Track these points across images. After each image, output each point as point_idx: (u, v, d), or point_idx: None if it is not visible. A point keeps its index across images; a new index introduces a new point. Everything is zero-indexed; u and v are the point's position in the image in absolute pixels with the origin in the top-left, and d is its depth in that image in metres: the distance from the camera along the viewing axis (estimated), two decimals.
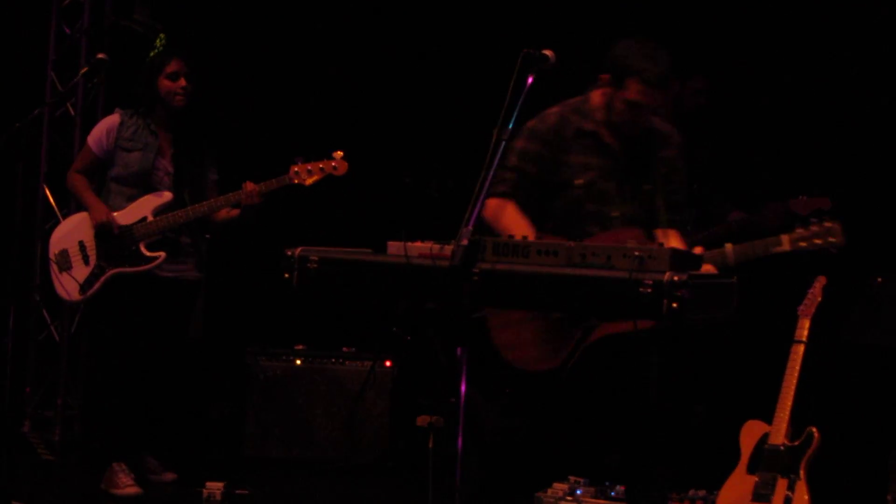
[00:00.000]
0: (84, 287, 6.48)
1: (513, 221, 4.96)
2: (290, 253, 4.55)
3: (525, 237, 4.44)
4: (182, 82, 6.51)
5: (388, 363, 7.25)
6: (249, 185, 6.36)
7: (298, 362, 7.33)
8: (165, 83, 6.51)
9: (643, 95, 4.84)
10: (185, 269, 6.60)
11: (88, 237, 6.51)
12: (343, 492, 6.95)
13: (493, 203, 5.03)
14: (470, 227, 4.22)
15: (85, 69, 7.20)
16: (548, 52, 4.74)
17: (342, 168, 6.43)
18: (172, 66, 6.51)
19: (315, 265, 4.50)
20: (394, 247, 4.43)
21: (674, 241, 4.92)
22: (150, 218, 6.43)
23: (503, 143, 4.54)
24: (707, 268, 4.73)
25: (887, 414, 7.47)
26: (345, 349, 7.37)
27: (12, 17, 7.99)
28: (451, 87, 8.48)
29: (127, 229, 6.43)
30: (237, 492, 6.47)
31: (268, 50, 8.48)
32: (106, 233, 6.43)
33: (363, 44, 8.53)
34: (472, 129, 5.70)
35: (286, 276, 4.56)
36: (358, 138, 7.90)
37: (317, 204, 7.59)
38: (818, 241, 4.77)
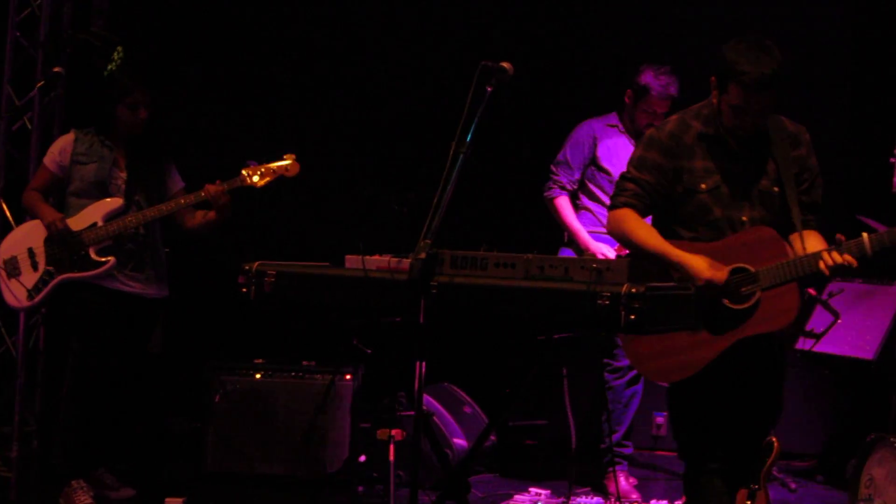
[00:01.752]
0: (32, 293, 6.46)
1: (637, 226, 4.82)
2: (247, 267, 4.54)
3: (485, 248, 4.44)
4: (141, 113, 6.50)
5: (347, 376, 7.23)
6: (211, 187, 6.37)
7: (258, 376, 7.29)
8: (124, 112, 6.50)
9: (743, 100, 4.68)
10: (148, 285, 6.56)
11: (38, 244, 6.49)
12: None
13: (613, 215, 4.92)
14: (429, 241, 4.22)
15: (41, 83, 7.17)
16: (506, 65, 4.73)
17: (294, 169, 6.44)
18: (132, 98, 6.48)
19: (272, 279, 4.49)
20: (352, 260, 4.43)
21: (814, 242, 4.79)
22: (100, 223, 6.40)
23: (461, 155, 4.54)
24: (847, 258, 4.61)
25: (844, 422, 7.53)
26: (304, 363, 7.34)
27: None
28: (411, 99, 8.48)
29: (76, 234, 6.40)
30: None
31: (228, 59, 8.47)
32: (56, 235, 6.40)
33: (328, 54, 8.53)
34: (432, 141, 5.71)
35: (244, 290, 4.55)
36: (317, 150, 7.90)
37: (274, 218, 7.58)
38: None
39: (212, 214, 6.53)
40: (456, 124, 4.52)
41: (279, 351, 7.47)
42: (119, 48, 7.50)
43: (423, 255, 4.16)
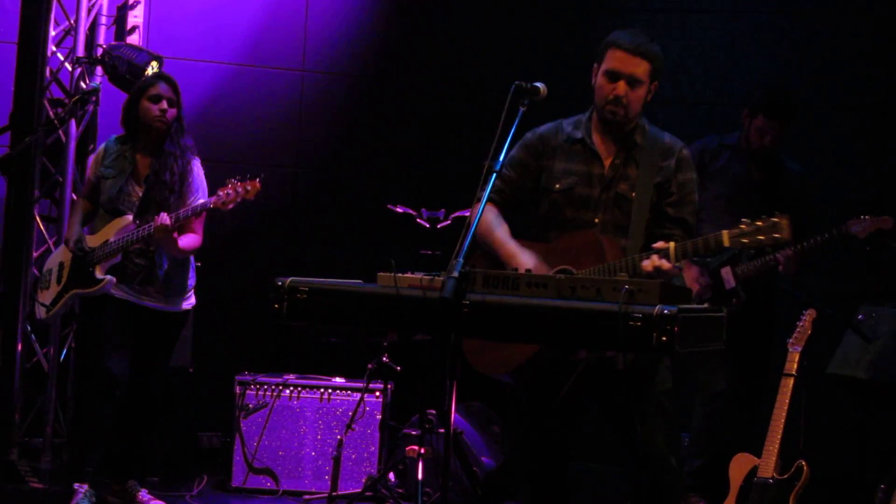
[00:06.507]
0: (49, 307, 6.56)
1: (486, 218, 4.98)
2: (279, 283, 4.54)
3: (516, 270, 4.44)
4: (163, 104, 6.44)
5: (377, 393, 7.24)
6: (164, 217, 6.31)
7: (287, 392, 7.31)
8: (146, 104, 6.45)
9: (619, 62, 4.86)
10: (161, 299, 6.54)
11: (67, 259, 6.56)
12: None
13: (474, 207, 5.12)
14: (461, 259, 4.22)
15: (76, 97, 7.20)
16: (539, 85, 4.77)
17: (252, 192, 6.30)
18: (155, 90, 6.46)
19: (305, 295, 4.49)
20: (384, 278, 4.43)
21: (659, 258, 4.68)
22: (111, 240, 6.42)
23: (494, 174, 4.55)
24: (662, 262, 4.60)
25: (875, 447, 7.47)
26: (334, 379, 7.36)
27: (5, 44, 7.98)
28: (445, 117, 8.50)
29: (90, 252, 6.44)
30: None
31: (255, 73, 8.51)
32: (77, 252, 6.46)
33: (357, 68, 8.56)
34: (465, 159, 5.73)
35: (276, 306, 4.55)
36: (349, 168, 7.93)
37: (307, 234, 7.61)
38: (762, 238, 4.61)
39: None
40: (490, 142, 4.53)
41: (309, 367, 7.48)
42: (153, 63, 7.53)
43: (455, 274, 4.16)
